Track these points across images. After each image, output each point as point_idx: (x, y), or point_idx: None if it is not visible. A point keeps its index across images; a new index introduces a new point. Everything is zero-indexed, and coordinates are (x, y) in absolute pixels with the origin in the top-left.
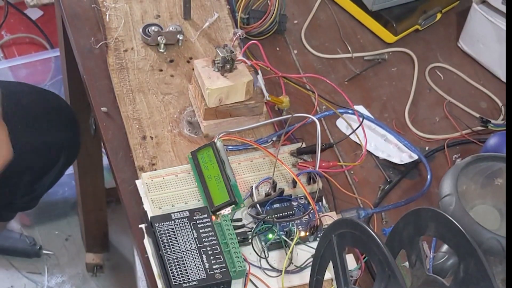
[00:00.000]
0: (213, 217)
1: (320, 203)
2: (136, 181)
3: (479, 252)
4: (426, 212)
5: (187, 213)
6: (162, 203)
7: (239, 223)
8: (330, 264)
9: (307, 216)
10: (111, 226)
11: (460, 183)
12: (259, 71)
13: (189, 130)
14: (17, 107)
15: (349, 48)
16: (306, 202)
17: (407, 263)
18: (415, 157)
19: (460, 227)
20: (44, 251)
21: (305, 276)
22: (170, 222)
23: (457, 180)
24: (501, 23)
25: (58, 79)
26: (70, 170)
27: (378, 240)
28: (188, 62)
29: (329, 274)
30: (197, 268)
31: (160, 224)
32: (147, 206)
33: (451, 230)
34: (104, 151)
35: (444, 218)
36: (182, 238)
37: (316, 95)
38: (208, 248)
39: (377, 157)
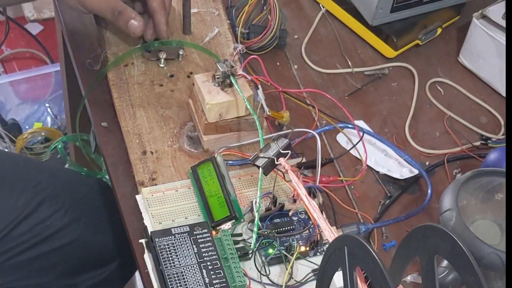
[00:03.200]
0: (213, 232)
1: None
2: (136, 196)
3: (479, 273)
4: (432, 230)
5: (187, 228)
6: (162, 218)
7: (239, 238)
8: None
9: (307, 231)
10: None
11: (460, 198)
12: (259, 86)
13: (189, 145)
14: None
15: (350, 63)
16: (306, 217)
17: (408, 277)
18: (416, 172)
19: (463, 246)
20: None
21: None
22: (170, 237)
23: (458, 195)
24: (502, 38)
25: (59, 94)
26: None
27: (386, 273)
28: (189, 77)
29: None
30: (197, 283)
31: (160, 239)
32: (147, 221)
33: (456, 252)
34: (105, 166)
35: (449, 237)
36: (182, 253)
37: (316, 110)
38: (208, 263)
39: (377, 172)
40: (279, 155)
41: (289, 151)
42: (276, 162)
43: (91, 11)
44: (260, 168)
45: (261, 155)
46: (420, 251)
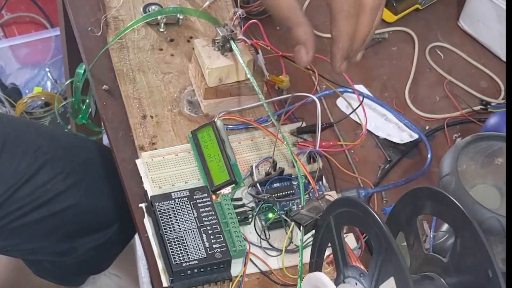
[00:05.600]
0: (213, 197)
1: (320, 182)
2: (136, 161)
3: (474, 223)
4: (422, 191)
5: (187, 192)
6: (162, 182)
7: (239, 203)
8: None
9: (307, 196)
10: None
11: (460, 162)
12: (260, 51)
13: (189, 109)
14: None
15: None
16: (306, 182)
17: (405, 243)
18: (416, 136)
19: (455, 200)
20: None
21: (305, 256)
22: (170, 202)
23: (457, 160)
24: (501, 2)
25: (59, 58)
26: None
27: (374, 213)
28: (188, 41)
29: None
30: (197, 248)
31: (160, 203)
32: (147, 186)
33: (447, 205)
34: (104, 131)
35: (440, 195)
36: (182, 217)
37: (316, 75)
38: (208, 228)
39: (377, 137)
40: None
41: None
42: None
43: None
44: (302, 227)
45: (303, 212)
46: (414, 212)
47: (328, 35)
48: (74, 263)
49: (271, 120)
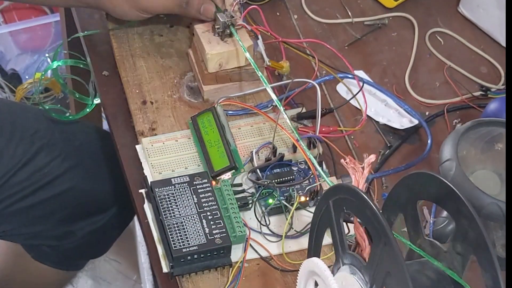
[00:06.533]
0: (213, 182)
1: (320, 168)
2: (136, 146)
3: (471, 210)
4: (423, 176)
5: (187, 178)
6: (162, 168)
7: (239, 188)
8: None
9: (307, 181)
10: None
11: (460, 148)
12: (259, 36)
13: (189, 95)
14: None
15: (349, 13)
16: (306, 167)
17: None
18: (416, 122)
19: (451, 186)
20: None
21: (305, 241)
22: (170, 187)
23: (457, 145)
24: None
25: (58, 44)
26: None
27: (373, 206)
28: (188, 27)
29: (329, 239)
30: (197, 233)
31: (160, 189)
32: (147, 171)
33: (445, 192)
34: (104, 116)
35: (437, 180)
36: (182, 203)
37: (316, 60)
38: (208, 213)
39: (377, 122)
40: None
41: None
42: None
43: (155, 13)
44: None
45: None
46: (410, 197)
47: (327, 21)
48: (72, 247)
49: (271, 106)
